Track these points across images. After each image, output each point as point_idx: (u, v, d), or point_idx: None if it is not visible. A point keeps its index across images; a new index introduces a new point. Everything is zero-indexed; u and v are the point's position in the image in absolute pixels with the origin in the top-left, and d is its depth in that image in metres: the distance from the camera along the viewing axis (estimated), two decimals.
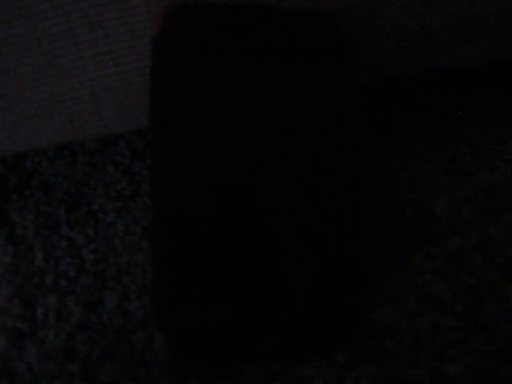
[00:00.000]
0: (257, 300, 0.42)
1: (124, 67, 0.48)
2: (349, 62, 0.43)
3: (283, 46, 0.42)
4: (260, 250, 0.42)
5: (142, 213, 0.52)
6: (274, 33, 0.42)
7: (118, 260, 0.49)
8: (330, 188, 0.43)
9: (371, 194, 0.51)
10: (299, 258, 0.42)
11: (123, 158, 0.55)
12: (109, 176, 0.54)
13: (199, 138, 0.42)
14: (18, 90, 0.48)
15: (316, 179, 0.42)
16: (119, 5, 0.45)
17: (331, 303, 0.43)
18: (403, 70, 0.53)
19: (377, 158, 0.53)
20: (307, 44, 0.42)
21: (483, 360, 0.44)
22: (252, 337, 0.43)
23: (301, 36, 0.43)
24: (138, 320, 0.47)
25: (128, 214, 0.52)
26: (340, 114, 0.42)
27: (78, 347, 0.46)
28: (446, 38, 0.51)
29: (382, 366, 0.44)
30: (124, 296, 0.48)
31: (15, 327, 0.47)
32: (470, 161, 0.53)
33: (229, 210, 0.42)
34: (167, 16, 0.42)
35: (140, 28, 0.46)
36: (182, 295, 0.42)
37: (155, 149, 0.42)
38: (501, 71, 0.57)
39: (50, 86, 0.48)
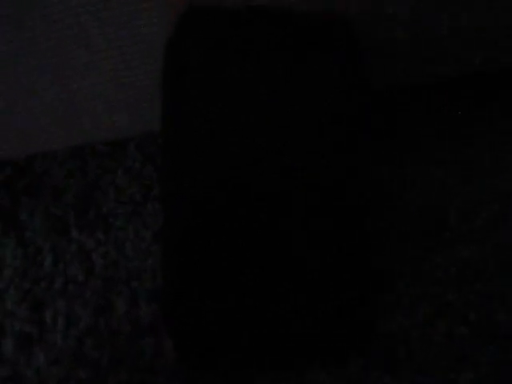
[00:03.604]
0: (269, 308, 0.42)
1: (135, 70, 0.48)
2: (360, 62, 0.42)
3: (296, 47, 0.42)
4: (273, 256, 0.42)
5: (152, 217, 0.51)
6: (288, 34, 0.42)
7: (128, 264, 0.49)
8: (335, 181, 0.42)
9: (384, 199, 0.51)
10: (312, 265, 0.42)
11: (134, 162, 0.54)
12: (119, 180, 0.54)
13: (211, 142, 0.41)
14: (29, 92, 0.48)
15: (323, 177, 0.42)
16: (130, 7, 0.45)
17: (344, 311, 0.43)
18: (417, 76, 0.52)
19: (389, 161, 0.52)
20: (319, 44, 0.42)
21: (497, 370, 0.43)
22: (263, 343, 0.42)
23: (314, 36, 0.42)
24: (148, 325, 0.46)
25: (138, 218, 0.51)
26: (347, 110, 0.42)
27: (86, 352, 0.45)
28: (457, 45, 0.51)
29: (395, 375, 0.43)
30: (133, 301, 0.47)
31: (23, 331, 0.47)
32: (485, 165, 0.53)
33: (240, 217, 0.41)
34: (180, 19, 0.42)
35: (151, 31, 0.46)
36: (192, 300, 0.42)
37: (167, 150, 0.42)
38: None
39: (61, 87, 0.48)
